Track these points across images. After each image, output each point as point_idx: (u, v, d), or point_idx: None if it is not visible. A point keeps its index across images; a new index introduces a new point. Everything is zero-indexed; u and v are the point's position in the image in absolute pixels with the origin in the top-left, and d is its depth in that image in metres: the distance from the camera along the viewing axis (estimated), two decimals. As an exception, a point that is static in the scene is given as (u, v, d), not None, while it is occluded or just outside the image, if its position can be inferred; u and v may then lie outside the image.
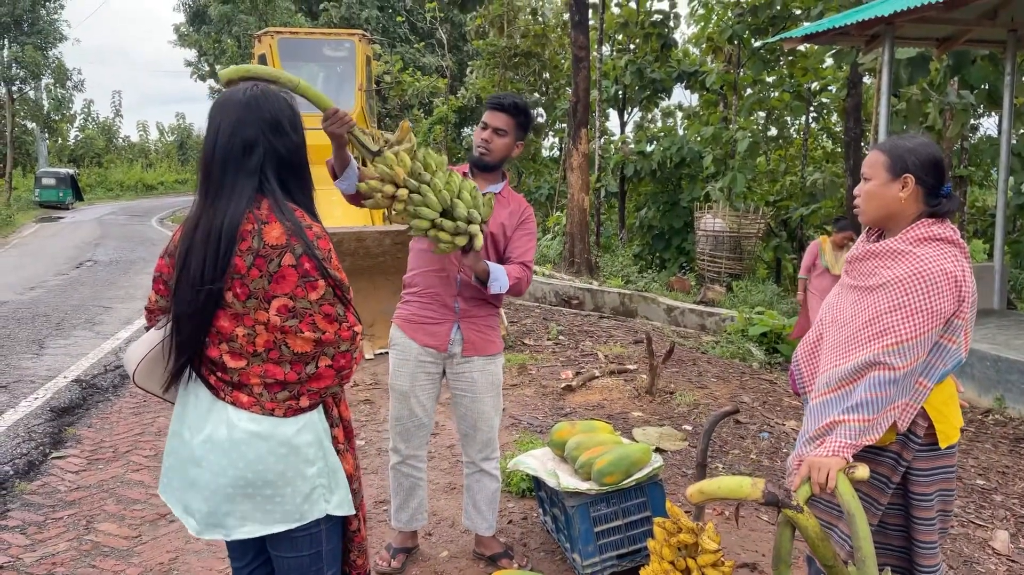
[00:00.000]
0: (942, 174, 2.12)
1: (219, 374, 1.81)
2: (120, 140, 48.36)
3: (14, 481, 4.04)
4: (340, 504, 1.89)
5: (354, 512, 1.93)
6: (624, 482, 3.04)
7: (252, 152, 1.78)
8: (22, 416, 5.04)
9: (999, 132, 9.00)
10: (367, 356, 6.83)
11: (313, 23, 26.64)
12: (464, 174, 2.98)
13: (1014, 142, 11.82)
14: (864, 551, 2.00)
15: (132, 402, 5.49)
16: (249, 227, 1.75)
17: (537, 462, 3.35)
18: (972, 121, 13.50)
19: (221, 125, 1.80)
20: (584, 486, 3.03)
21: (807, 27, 8.33)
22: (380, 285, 7.41)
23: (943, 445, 2.13)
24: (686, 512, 2.88)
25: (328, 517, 1.90)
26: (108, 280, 11.13)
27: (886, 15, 6.80)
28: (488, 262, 2.89)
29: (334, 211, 8.58)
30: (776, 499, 1.99)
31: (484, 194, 2.78)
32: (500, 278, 2.91)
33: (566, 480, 3.07)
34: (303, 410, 1.82)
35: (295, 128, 1.86)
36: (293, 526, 1.85)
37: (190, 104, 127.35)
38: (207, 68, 34.08)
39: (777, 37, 9.27)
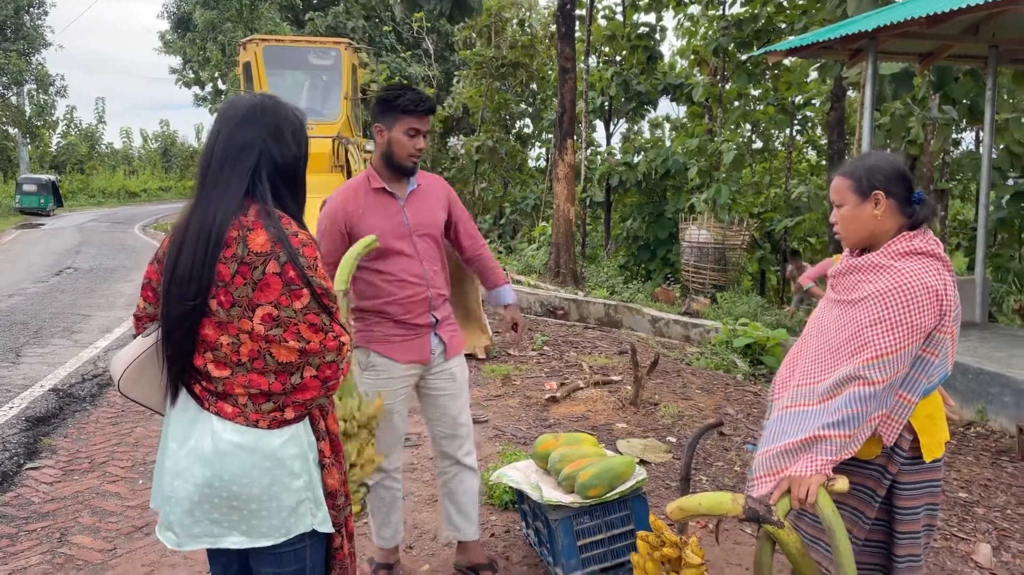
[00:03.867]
0: (909, 182, 2.13)
1: (204, 383, 1.78)
2: (103, 147, 47.99)
3: (-14, 493, 3.96)
4: (325, 520, 1.86)
5: (325, 529, 1.88)
6: (607, 495, 3.01)
7: (248, 153, 1.77)
8: (-4, 426, 4.95)
9: (980, 147, 9.09)
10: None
11: (299, 32, 26.61)
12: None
13: (995, 156, 11.97)
14: (845, 566, 1.98)
15: (110, 412, 5.41)
16: (235, 234, 1.72)
17: (520, 475, 3.31)
18: (954, 135, 13.63)
19: (223, 127, 1.81)
20: (567, 499, 3.00)
21: (791, 40, 8.39)
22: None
23: (928, 459, 2.12)
24: (669, 526, 2.85)
25: (313, 532, 1.85)
26: (88, 288, 11.00)
27: (869, 30, 6.85)
28: (497, 291, 3.20)
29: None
30: (757, 515, 1.97)
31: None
32: (508, 290, 3.22)
33: (549, 493, 3.04)
34: (288, 422, 1.78)
35: (297, 140, 1.85)
36: (279, 541, 1.81)
37: (174, 111, 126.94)
38: (192, 75, 33.94)
39: (762, 51, 9.33)
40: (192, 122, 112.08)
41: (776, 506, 2.02)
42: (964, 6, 5.79)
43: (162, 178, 46.71)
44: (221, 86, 32.31)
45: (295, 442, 1.79)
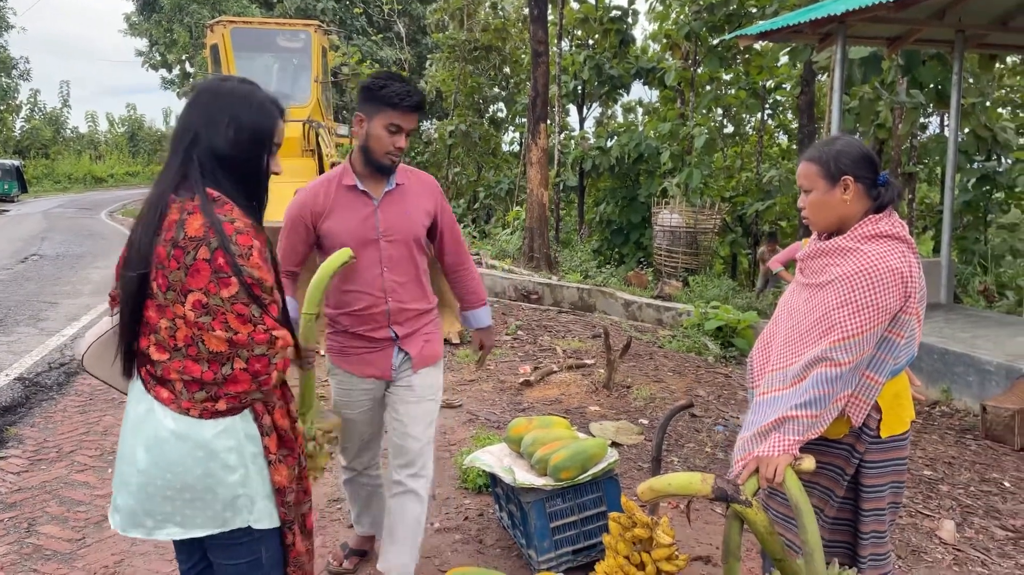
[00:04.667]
0: (875, 166, 2.15)
1: (148, 366, 1.78)
2: (68, 131, 47.00)
3: (-49, 483, 3.89)
4: (262, 517, 1.84)
5: (277, 525, 1.87)
6: (580, 477, 3.03)
7: (186, 136, 1.78)
8: (-40, 416, 4.86)
9: (946, 130, 9.21)
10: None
11: (268, 13, 26.21)
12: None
13: (961, 140, 12.16)
14: (811, 543, 2.02)
15: (77, 401, 5.33)
16: (175, 216, 1.72)
17: (493, 458, 3.33)
18: (922, 119, 13.81)
19: (182, 109, 1.85)
20: (540, 482, 3.01)
21: (762, 25, 8.41)
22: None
23: (883, 435, 2.16)
24: (641, 506, 2.88)
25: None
26: (54, 275, 10.80)
27: (838, 13, 6.90)
28: (472, 313, 3.05)
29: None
30: (725, 494, 1.99)
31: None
32: (485, 313, 3.07)
33: (522, 476, 3.05)
34: (221, 413, 1.76)
35: (240, 128, 1.79)
36: (214, 532, 1.80)
37: (141, 95, 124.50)
38: (158, 57, 33.31)
39: (733, 34, 9.36)
40: (160, 105, 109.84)
41: (744, 486, 2.05)
42: (930, -9, 5.87)
43: (129, 163, 45.86)
44: (189, 68, 31.77)
45: (230, 435, 1.77)
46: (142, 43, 33.75)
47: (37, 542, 3.30)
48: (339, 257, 2.48)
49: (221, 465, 1.76)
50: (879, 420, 2.16)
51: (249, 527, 1.82)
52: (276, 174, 1.91)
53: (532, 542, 3.03)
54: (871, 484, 2.19)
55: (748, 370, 2.40)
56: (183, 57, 30.55)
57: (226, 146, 1.78)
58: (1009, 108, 15.46)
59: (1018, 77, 15.86)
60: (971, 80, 12.24)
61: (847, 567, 2.24)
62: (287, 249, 2.68)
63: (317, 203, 2.61)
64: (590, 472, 3.05)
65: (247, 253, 1.71)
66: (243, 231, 1.73)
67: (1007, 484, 4.30)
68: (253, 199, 1.84)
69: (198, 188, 1.74)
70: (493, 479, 3.45)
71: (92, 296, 9.03)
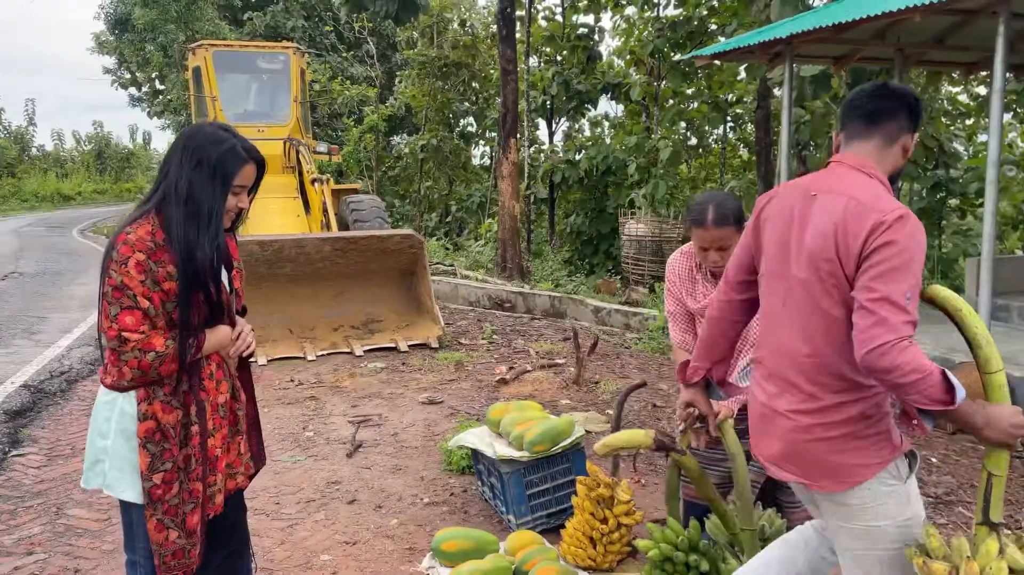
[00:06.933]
0: None
1: None
2: (34, 149, 46.61)
3: (-24, 478, 4.23)
4: (121, 487, 2.11)
5: (137, 501, 2.10)
6: (552, 450, 3.49)
7: (163, 168, 2.18)
8: (-27, 420, 5.18)
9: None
10: (308, 357, 7.10)
11: (238, 32, 26.45)
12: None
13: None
14: (740, 482, 2.49)
15: (81, 406, 5.67)
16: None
17: (475, 438, 3.78)
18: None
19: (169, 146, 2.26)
20: (517, 454, 3.47)
21: (716, 46, 9.02)
22: (319, 290, 7.71)
23: None
24: (607, 474, 3.33)
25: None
26: (38, 291, 11.03)
27: (784, 36, 7.49)
28: None
29: (273, 219, 8.84)
30: (664, 445, 2.47)
31: None
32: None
33: (501, 450, 3.51)
34: (106, 386, 2.12)
35: (201, 166, 2.10)
36: (85, 487, 2.20)
37: (108, 112, 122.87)
38: (128, 76, 33.37)
39: (689, 55, 9.95)
40: (127, 122, 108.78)
41: (680, 439, 2.52)
42: (865, 16, 6.47)
43: (97, 181, 45.49)
44: (159, 86, 31.88)
45: (110, 407, 2.10)
46: (110, 61, 33.81)
47: (67, 523, 3.68)
48: None
49: (96, 429, 2.14)
50: None
51: (123, 500, 2.14)
52: (242, 209, 2.22)
53: (511, 508, 3.48)
54: None
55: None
56: (153, 76, 30.66)
57: (185, 181, 2.09)
58: (951, 119, 16.26)
59: (958, 89, 16.70)
60: (920, 94, 12.99)
61: (775, 511, 2.74)
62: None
63: None
64: (560, 445, 3.51)
65: (124, 260, 2.01)
66: (129, 243, 2.03)
67: (934, 460, 4.83)
68: (203, 226, 2.10)
69: (143, 209, 2.12)
70: (476, 456, 3.90)
71: (80, 311, 9.30)
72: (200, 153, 2.11)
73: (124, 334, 2.00)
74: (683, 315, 3.00)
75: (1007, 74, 11.00)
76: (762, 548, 2.46)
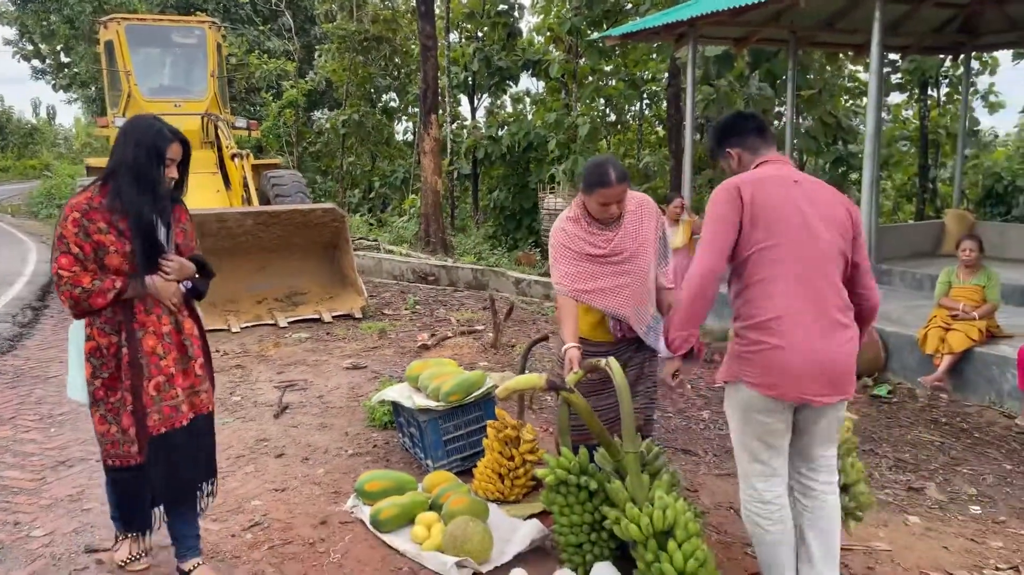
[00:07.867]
0: None
1: None
2: (-71, 124, 43.93)
3: (-98, 449, 4.31)
4: (75, 392, 2.76)
5: (83, 402, 2.73)
6: (465, 400, 3.84)
7: (112, 155, 2.72)
8: None
9: (786, 118, 10.50)
10: (233, 329, 7.25)
11: (148, 3, 25.58)
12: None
13: (811, 125, 13.68)
14: (626, 412, 2.88)
15: (4, 379, 5.71)
16: None
17: (396, 392, 4.09)
18: (777, 109, 15.27)
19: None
20: (434, 404, 3.80)
21: (624, 27, 9.44)
22: (241, 264, 7.82)
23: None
24: (514, 419, 3.70)
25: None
26: (-56, 271, 10.71)
27: (686, 19, 7.96)
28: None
29: (193, 194, 8.81)
30: (555, 385, 2.84)
31: None
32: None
33: (420, 400, 3.83)
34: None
35: (139, 146, 2.63)
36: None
37: (9, 85, 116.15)
38: (31, 47, 31.84)
39: (600, 35, 10.36)
40: (29, 96, 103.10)
41: (568, 379, 2.89)
42: (756, 1, 6.98)
43: (-1, 157, 43.36)
44: (64, 59, 30.57)
45: (77, 330, 2.73)
46: (11, 32, 32.14)
47: (3, 483, 3.83)
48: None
49: (70, 347, 2.75)
50: None
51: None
52: (173, 179, 2.73)
53: (429, 453, 3.82)
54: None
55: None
56: (58, 48, 29.37)
57: (130, 159, 2.63)
58: (853, 97, 17.20)
59: (861, 68, 17.66)
60: (819, 73, 13.77)
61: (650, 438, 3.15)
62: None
63: None
64: (473, 395, 3.86)
65: (65, 217, 2.61)
66: (72, 205, 2.62)
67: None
68: (147, 194, 2.63)
69: (94, 181, 2.71)
70: (396, 410, 4.22)
71: (-7, 289, 9.15)
72: (136, 135, 2.67)
73: (60, 272, 2.60)
74: (584, 273, 3.27)
75: (894, 54, 11.83)
76: (643, 471, 2.86)
